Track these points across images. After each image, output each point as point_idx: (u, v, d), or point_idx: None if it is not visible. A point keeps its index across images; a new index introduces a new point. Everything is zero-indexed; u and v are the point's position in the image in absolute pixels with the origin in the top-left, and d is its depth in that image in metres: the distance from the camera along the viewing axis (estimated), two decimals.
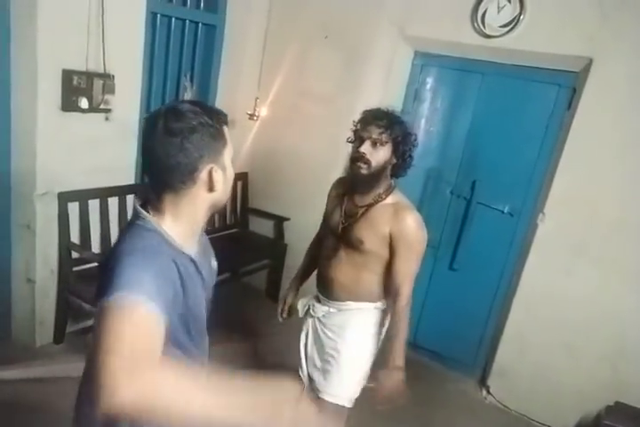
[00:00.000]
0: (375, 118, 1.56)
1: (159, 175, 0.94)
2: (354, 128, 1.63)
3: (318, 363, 1.83)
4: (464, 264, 2.83)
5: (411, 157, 1.62)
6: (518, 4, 2.39)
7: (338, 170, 2.97)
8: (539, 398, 2.57)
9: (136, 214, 0.98)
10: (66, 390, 2.22)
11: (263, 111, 3.08)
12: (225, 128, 0.97)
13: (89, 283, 2.33)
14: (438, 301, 2.93)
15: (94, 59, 2.28)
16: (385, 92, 2.89)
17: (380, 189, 1.63)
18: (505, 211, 2.71)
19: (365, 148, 1.54)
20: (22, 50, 2.14)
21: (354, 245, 1.66)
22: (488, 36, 2.50)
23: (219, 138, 0.95)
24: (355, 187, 1.68)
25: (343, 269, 1.72)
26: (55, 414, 2.08)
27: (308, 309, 1.87)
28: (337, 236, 1.73)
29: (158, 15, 2.70)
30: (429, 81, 2.90)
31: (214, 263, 1.14)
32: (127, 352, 0.77)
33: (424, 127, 2.95)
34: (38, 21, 2.06)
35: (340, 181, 1.86)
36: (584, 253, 2.40)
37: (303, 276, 1.99)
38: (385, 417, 2.03)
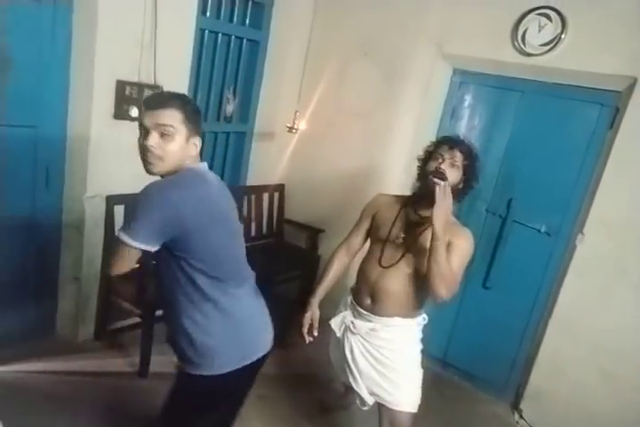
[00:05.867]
0: (458, 144, 1.74)
1: None
2: (429, 148, 1.81)
3: (378, 377, 1.81)
4: (498, 283, 2.79)
5: (472, 186, 1.79)
6: (560, 23, 2.39)
7: (373, 184, 3.00)
8: (573, 424, 2.48)
9: None
10: (102, 382, 2.34)
11: (302, 125, 3.16)
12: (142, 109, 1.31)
13: (129, 283, 2.42)
14: (470, 319, 2.89)
15: (146, 71, 2.40)
16: (422, 108, 2.92)
17: None
18: (542, 230, 2.66)
19: (445, 166, 1.71)
20: (81, 62, 2.28)
21: (420, 254, 1.71)
22: (528, 55, 2.50)
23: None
24: (428, 201, 1.69)
25: (399, 280, 1.75)
26: (89, 403, 2.20)
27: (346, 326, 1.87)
28: (396, 245, 1.77)
29: (206, 31, 2.83)
30: (467, 98, 2.91)
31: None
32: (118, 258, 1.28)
33: None
34: (97, 37, 2.20)
35: (387, 198, 1.92)
36: (624, 277, 2.33)
37: (325, 289, 1.94)
38: None
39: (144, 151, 1.30)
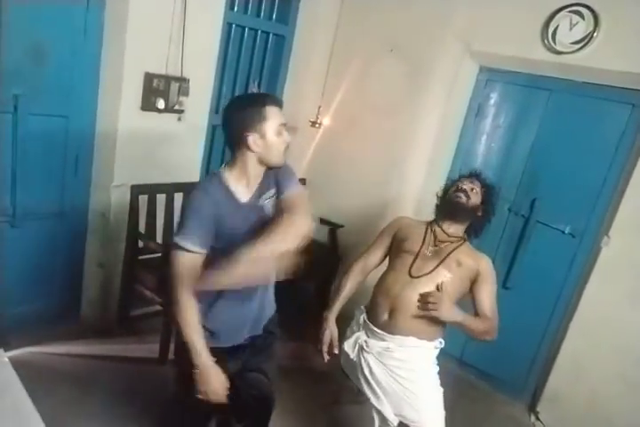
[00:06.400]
0: (476, 174, 1.90)
1: (227, 138, 1.42)
2: (449, 182, 1.93)
3: (402, 394, 1.76)
4: (518, 283, 2.75)
5: (489, 219, 1.87)
6: (592, 21, 2.33)
7: (394, 181, 3.00)
8: None
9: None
10: (122, 366, 2.39)
11: (325, 120, 3.16)
12: (267, 108, 1.36)
13: (151, 272, 2.47)
14: None
15: (173, 64, 2.44)
16: (447, 106, 2.89)
17: (463, 232, 1.85)
18: (566, 231, 2.62)
19: (467, 186, 1.83)
20: (112, 56, 2.33)
21: (449, 266, 1.74)
22: (558, 53, 2.45)
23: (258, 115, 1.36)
24: (451, 215, 1.83)
25: (426, 291, 1.71)
26: (108, 386, 2.27)
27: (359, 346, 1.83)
28: (425, 257, 1.77)
29: (233, 25, 2.86)
30: (493, 96, 2.88)
31: (267, 205, 1.49)
32: (179, 276, 1.37)
33: (485, 143, 2.92)
34: (127, 31, 2.25)
35: (409, 220, 1.97)
36: None
37: (341, 304, 1.90)
38: None
39: (284, 146, 1.43)
